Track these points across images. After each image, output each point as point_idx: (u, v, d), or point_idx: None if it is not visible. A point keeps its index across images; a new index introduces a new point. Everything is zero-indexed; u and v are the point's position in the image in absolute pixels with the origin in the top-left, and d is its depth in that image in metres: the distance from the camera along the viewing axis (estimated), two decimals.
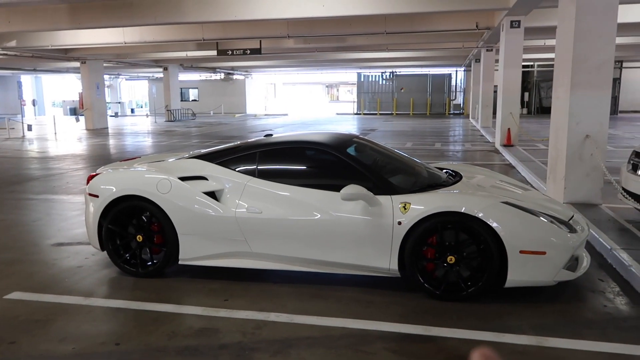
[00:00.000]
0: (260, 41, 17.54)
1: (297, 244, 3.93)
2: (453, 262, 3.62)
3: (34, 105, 29.54)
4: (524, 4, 10.30)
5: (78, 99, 31.74)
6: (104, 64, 24.90)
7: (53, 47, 17.26)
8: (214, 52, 19.21)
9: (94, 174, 4.52)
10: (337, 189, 3.80)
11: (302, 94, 67.63)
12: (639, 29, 15.10)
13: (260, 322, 3.40)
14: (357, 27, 14.52)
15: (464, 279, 3.64)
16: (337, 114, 35.57)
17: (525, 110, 30.35)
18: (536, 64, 30.21)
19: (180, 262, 4.20)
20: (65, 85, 51.53)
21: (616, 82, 29.30)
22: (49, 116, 31.49)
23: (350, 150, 4.23)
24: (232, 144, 4.70)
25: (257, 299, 3.78)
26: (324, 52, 23.37)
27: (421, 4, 11.13)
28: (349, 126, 22.85)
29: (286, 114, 35.22)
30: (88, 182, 4.47)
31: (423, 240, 3.66)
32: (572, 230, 3.69)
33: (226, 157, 4.37)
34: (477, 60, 24.32)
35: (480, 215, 3.51)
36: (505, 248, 3.50)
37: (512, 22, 12.23)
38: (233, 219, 4.02)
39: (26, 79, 40.17)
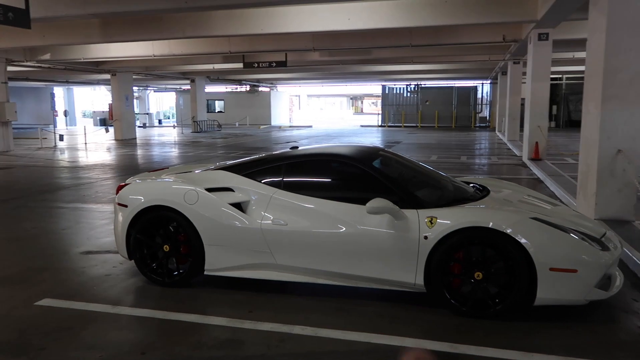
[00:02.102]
0: (286, 54, 17.74)
1: (322, 257, 3.92)
2: (480, 279, 3.56)
3: (65, 115, 30.44)
4: (552, 16, 10.18)
5: (108, 110, 32.49)
6: (133, 76, 25.49)
7: (85, 60, 17.77)
8: (240, 65, 19.51)
9: (123, 184, 4.61)
10: (363, 202, 3.79)
11: (326, 106, 67.94)
12: None
13: (284, 335, 3.39)
14: (382, 40, 14.55)
15: (491, 296, 3.57)
16: (362, 126, 35.58)
17: (553, 124, 29.85)
18: (565, 76, 29.76)
19: (205, 273, 4.24)
20: (95, 97, 52.97)
21: None
22: (80, 126, 32.36)
23: (376, 163, 4.22)
24: (258, 156, 4.74)
25: (281, 311, 3.78)
26: (349, 65, 23.48)
27: (447, 17, 11.11)
28: (373, 138, 22.82)
29: (310, 126, 35.39)
30: (117, 192, 4.56)
31: (450, 256, 3.61)
32: (604, 247, 3.59)
33: (252, 169, 4.40)
34: (504, 73, 24.09)
35: (508, 231, 3.45)
36: (534, 265, 3.43)
37: (540, 34, 12.09)
38: (259, 231, 4.04)
39: (58, 91, 41.39)
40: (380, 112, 36.86)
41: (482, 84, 34.94)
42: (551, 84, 29.77)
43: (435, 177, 4.56)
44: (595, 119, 5.98)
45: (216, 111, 40.31)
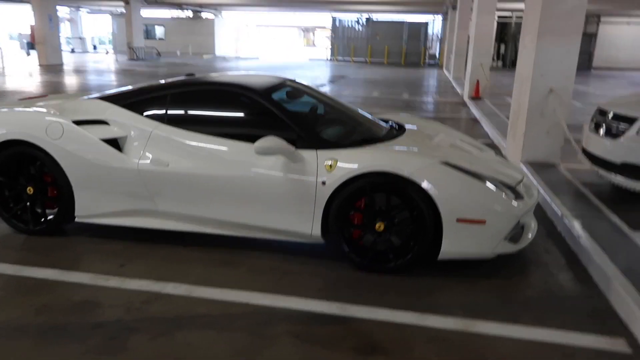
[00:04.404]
0: None
1: (209, 203, 3.41)
2: (382, 230, 3.17)
3: None
4: None
5: (30, 32, 29.57)
6: None
7: None
8: None
9: None
10: (257, 140, 3.24)
11: (277, 37, 65.33)
12: None
13: (152, 295, 2.91)
14: None
15: (393, 249, 3.20)
16: (310, 59, 34.36)
17: (500, 63, 29.80)
18: (515, 14, 29.41)
19: (77, 220, 3.65)
20: (24, 17, 48.38)
21: (592, 37, 28.87)
22: (5, 50, 29.43)
23: (277, 96, 3.65)
24: (144, 84, 4.04)
25: (158, 265, 3.28)
26: None
27: None
28: (319, 72, 21.96)
29: (257, 58, 33.82)
30: None
31: (350, 204, 3.18)
32: (518, 196, 3.25)
33: (133, 99, 3.74)
34: (454, 8, 23.41)
35: (412, 176, 3.02)
36: (440, 215, 3.05)
37: None
38: (135, 172, 3.45)
39: None
40: (329, 45, 35.55)
41: (434, 20, 34.18)
42: (500, 23, 29.41)
43: (348, 114, 4.05)
44: (530, 54, 5.57)
45: (157, 38, 37.75)
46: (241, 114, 3.67)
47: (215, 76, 4.03)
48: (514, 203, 3.16)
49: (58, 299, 2.85)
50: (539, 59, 5.46)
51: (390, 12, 32.85)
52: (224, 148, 3.40)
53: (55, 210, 3.67)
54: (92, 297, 2.88)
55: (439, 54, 33.23)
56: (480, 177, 3.18)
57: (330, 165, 3.18)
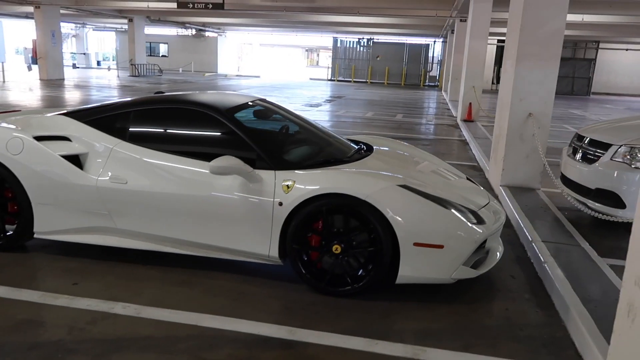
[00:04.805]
0: None
1: (167, 222, 3.36)
2: (339, 252, 3.11)
3: None
4: None
5: (32, 46, 29.86)
6: (62, 11, 23.36)
7: None
8: (174, 5, 18.10)
9: None
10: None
11: (281, 56, 66.01)
12: (615, 6, 14.60)
13: (99, 315, 2.85)
14: None
15: (351, 272, 3.13)
16: (311, 79, 34.61)
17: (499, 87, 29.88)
18: None
19: (35, 236, 3.60)
20: (30, 32, 49.05)
21: (591, 62, 29.03)
22: (9, 64, 29.75)
23: (240, 115, 3.62)
24: (110, 101, 4.03)
25: (112, 284, 3.22)
26: (295, 13, 22.32)
27: None
28: (317, 92, 22.07)
29: (258, 76, 34.09)
30: None
31: (307, 225, 3.13)
32: (479, 221, 3.19)
33: (97, 116, 3.72)
34: (453, 32, 23.61)
35: (369, 199, 2.97)
36: (397, 239, 3.00)
37: None
38: (94, 189, 3.42)
39: None
40: (330, 65, 35.82)
41: (434, 42, 34.45)
42: (500, 47, 29.59)
43: (316, 135, 4.02)
44: (510, 79, 5.57)
45: (160, 55, 38.17)
46: (203, 133, 3.63)
47: (181, 94, 4.01)
48: (475, 228, 3.10)
49: (0, 317, 2.79)
50: (517, 84, 5.45)
51: (391, 35, 33.14)
52: (183, 166, 3.37)
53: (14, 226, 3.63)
54: (37, 316, 2.82)
55: (439, 76, 33.43)
56: (440, 201, 3.13)
57: (288, 186, 3.14)
